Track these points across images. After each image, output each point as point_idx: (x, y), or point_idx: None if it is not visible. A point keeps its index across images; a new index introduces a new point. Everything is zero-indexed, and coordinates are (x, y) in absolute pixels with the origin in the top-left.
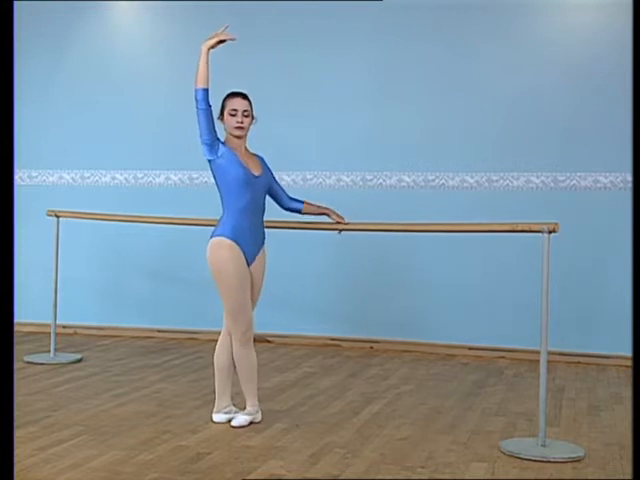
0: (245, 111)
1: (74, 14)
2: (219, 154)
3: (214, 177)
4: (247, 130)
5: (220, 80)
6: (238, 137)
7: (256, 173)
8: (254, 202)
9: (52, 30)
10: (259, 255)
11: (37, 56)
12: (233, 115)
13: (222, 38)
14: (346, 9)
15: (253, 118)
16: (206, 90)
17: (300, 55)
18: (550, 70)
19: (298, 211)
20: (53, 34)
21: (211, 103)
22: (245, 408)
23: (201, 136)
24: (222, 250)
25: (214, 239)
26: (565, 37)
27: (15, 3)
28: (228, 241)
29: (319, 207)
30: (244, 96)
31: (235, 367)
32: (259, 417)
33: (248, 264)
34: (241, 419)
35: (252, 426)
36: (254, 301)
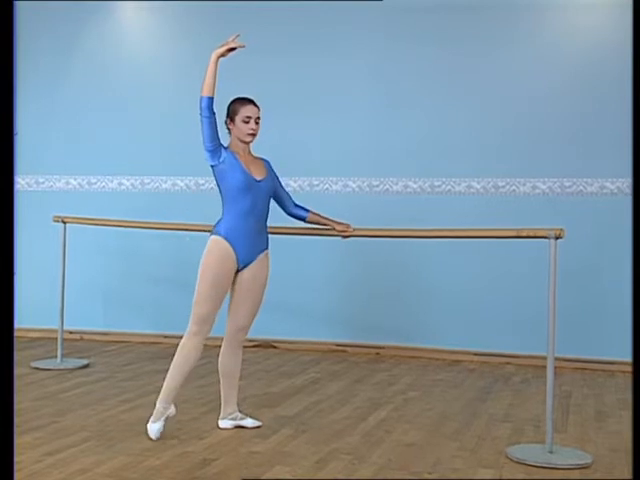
0: (257, 118)
1: (80, 16)
2: (221, 160)
3: (216, 181)
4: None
5: (224, 84)
6: (247, 143)
7: (258, 177)
8: (255, 207)
9: (57, 32)
10: (257, 261)
11: (43, 61)
12: (246, 122)
13: (232, 46)
14: (349, 13)
15: None
16: (211, 99)
17: (305, 60)
18: (557, 74)
19: (302, 219)
20: (58, 36)
21: (216, 107)
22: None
23: (204, 143)
24: (213, 246)
25: (210, 237)
26: (572, 39)
27: (18, 4)
28: (221, 240)
29: (325, 219)
30: (255, 103)
31: (234, 372)
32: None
33: (239, 267)
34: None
35: (258, 432)
36: (249, 307)
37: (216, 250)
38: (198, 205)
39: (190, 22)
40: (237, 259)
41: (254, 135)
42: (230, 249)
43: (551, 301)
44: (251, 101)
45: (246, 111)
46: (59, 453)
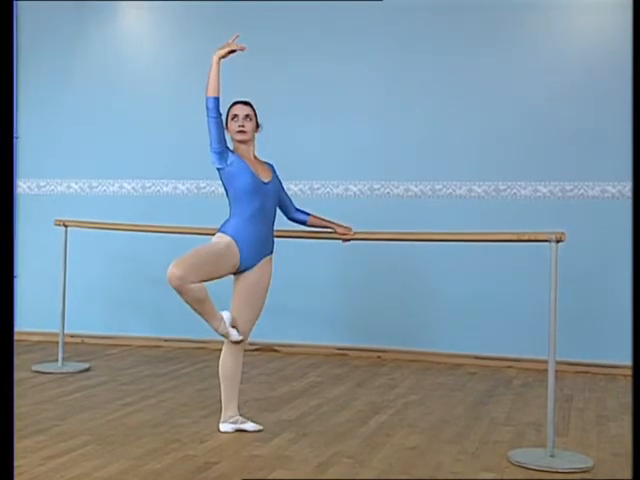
0: (247, 115)
1: (80, 17)
2: (228, 162)
3: (223, 185)
4: (251, 135)
5: (224, 86)
6: (241, 142)
7: (265, 180)
8: (263, 210)
9: (58, 34)
10: (259, 265)
11: (44, 63)
12: (234, 121)
13: (233, 48)
14: (349, 13)
15: (258, 125)
16: (217, 99)
17: (305, 61)
18: (557, 75)
19: (303, 223)
20: (59, 38)
21: (221, 112)
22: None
23: (211, 144)
24: (219, 239)
25: (216, 234)
26: (572, 40)
27: (19, 4)
28: (228, 237)
29: (325, 221)
30: (245, 102)
31: (235, 376)
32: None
33: (241, 269)
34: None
35: (260, 435)
36: (251, 312)
37: (221, 242)
38: (199, 208)
39: (190, 22)
40: (240, 259)
41: (243, 132)
42: (235, 248)
43: (552, 304)
44: (239, 102)
45: (232, 110)
46: (60, 457)
